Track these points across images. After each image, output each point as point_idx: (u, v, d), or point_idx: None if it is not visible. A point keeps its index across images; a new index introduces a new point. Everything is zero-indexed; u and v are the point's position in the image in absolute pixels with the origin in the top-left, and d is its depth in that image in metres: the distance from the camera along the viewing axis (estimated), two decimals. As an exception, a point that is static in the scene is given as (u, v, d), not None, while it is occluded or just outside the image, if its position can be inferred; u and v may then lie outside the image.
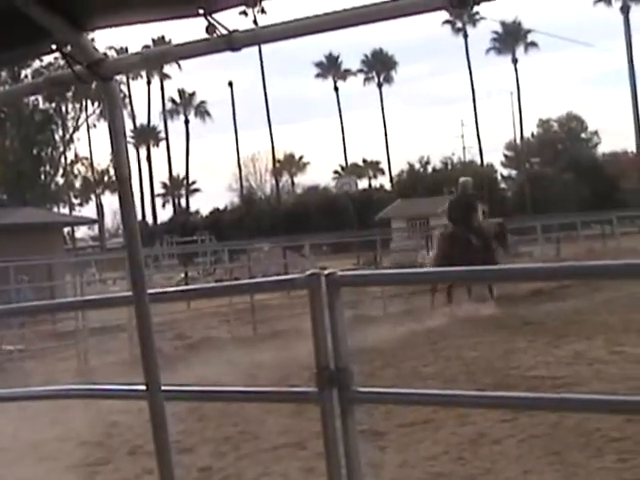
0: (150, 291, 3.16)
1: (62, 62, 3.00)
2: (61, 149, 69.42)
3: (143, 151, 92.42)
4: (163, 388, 3.16)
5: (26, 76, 56.14)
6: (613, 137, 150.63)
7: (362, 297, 22.01)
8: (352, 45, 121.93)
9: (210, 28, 2.52)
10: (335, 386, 2.97)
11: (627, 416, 7.72)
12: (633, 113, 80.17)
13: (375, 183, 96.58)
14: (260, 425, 9.27)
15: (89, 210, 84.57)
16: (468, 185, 20.82)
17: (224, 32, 2.52)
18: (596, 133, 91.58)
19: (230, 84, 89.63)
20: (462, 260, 17.68)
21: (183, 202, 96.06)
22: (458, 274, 4.25)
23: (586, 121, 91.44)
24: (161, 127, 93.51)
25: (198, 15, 2.49)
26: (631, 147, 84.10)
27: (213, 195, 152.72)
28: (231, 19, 2.53)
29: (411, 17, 2.20)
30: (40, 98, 62.04)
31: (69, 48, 2.81)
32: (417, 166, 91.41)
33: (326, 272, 2.96)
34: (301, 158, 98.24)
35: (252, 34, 2.52)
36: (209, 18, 2.49)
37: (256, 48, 75.32)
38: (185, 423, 8.97)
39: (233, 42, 2.53)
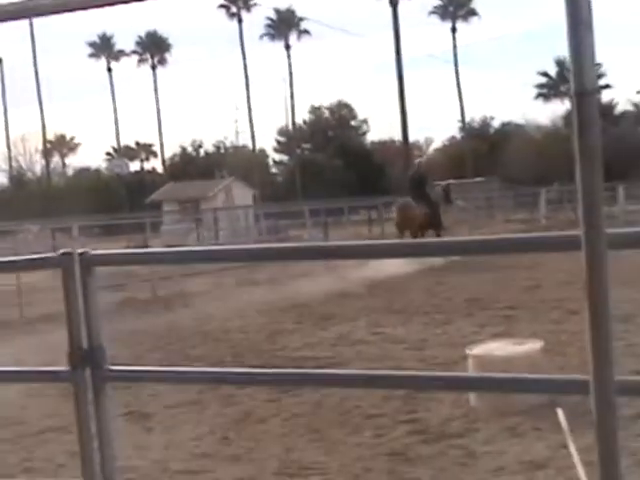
0: None
1: None
2: None
3: None
4: None
5: None
6: (381, 126, 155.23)
7: (131, 279, 21.84)
8: (127, 26, 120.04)
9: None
10: (88, 365, 2.96)
11: (384, 393, 8.08)
12: (399, 103, 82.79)
13: (147, 166, 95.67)
14: (23, 410, 9.07)
15: None
16: (421, 165, 26.90)
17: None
18: (365, 121, 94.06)
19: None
20: (415, 224, 23.77)
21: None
22: (227, 254, 4.20)
23: (356, 109, 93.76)
24: None
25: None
26: (398, 136, 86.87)
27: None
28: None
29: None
30: None
31: None
32: (190, 149, 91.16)
33: (79, 251, 2.96)
34: (72, 139, 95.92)
35: (20, 6, 2.42)
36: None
37: (27, 23, 72.77)
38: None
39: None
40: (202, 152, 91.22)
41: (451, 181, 39.64)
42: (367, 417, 7.97)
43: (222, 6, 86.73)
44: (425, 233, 24.78)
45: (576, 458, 5.37)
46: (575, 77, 1.88)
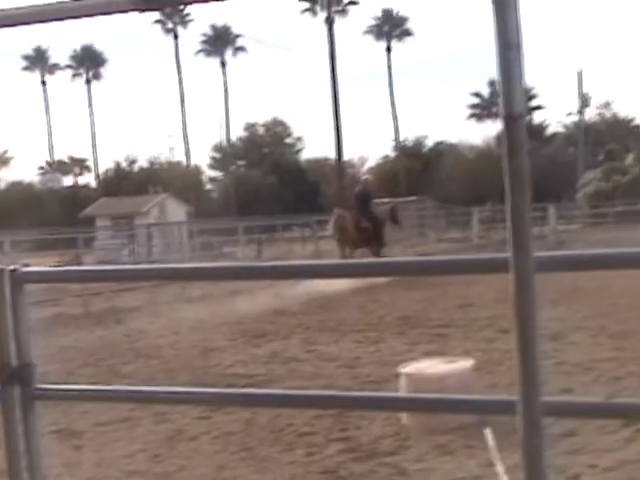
0: None
1: None
2: None
3: None
4: None
5: None
6: (316, 144, 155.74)
7: (63, 295, 21.62)
8: (62, 39, 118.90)
9: None
10: (16, 383, 2.93)
11: (316, 411, 8.08)
12: (334, 122, 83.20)
13: (81, 180, 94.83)
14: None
15: None
16: (368, 182, 28.73)
17: None
18: (300, 139, 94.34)
19: None
20: (354, 238, 24.81)
21: None
22: (154, 272, 4.18)
23: (291, 127, 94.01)
24: None
25: None
26: (332, 154, 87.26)
27: None
28: None
29: (103, 16, 2.23)
30: None
31: None
32: (124, 164, 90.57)
33: (10, 268, 2.92)
34: (5, 152, 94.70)
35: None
36: None
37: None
38: None
39: None
40: (136, 167, 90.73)
41: (389, 200, 39.95)
42: (299, 435, 7.97)
43: (158, 21, 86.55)
44: (367, 248, 25.15)
45: (503, 476, 5.42)
46: (504, 100, 1.90)
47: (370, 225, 25.36)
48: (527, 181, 1.91)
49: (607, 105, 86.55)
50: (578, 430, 7.22)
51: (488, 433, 6.04)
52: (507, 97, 1.89)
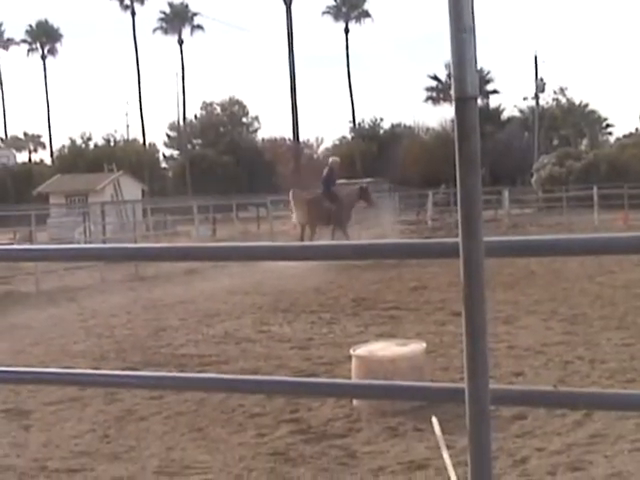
0: None
1: None
2: None
3: None
4: None
5: None
6: (273, 124, 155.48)
7: (14, 272, 21.43)
8: (17, 14, 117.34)
9: None
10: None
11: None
12: (291, 102, 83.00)
13: (35, 157, 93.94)
14: None
15: None
16: (335, 164, 26.78)
17: None
18: (257, 119, 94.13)
19: None
20: (318, 217, 25.01)
21: None
22: (109, 252, 4.06)
23: (248, 106, 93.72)
24: None
25: None
26: (289, 134, 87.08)
27: None
28: None
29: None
30: None
31: None
32: (79, 142, 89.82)
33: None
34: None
35: None
36: None
37: None
38: None
39: None
40: (91, 145, 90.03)
41: (345, 181, 39.90)
42: (250, 416, 7.94)
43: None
44: (331, 228, 25.16)
45: (449, 466, 5.43)
46: (456, 82, 1.88)
47: (333, 206, 25.30)
48: (478, 165, 1.88)
49: (562, 91, 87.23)
50: (527, 413, 7.26)
51: (435, 422, 6.05)
52: (459, 79, 1.87)
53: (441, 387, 3.11)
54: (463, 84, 1.86)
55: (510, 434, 6.81)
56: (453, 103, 1.89)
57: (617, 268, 17.97)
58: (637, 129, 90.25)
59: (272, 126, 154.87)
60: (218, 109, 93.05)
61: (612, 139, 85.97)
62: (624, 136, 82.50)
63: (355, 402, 7.94)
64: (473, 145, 1.87)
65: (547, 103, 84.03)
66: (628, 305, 13.18)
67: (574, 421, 7.12)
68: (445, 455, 5.50)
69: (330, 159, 27.88)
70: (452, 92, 1.90)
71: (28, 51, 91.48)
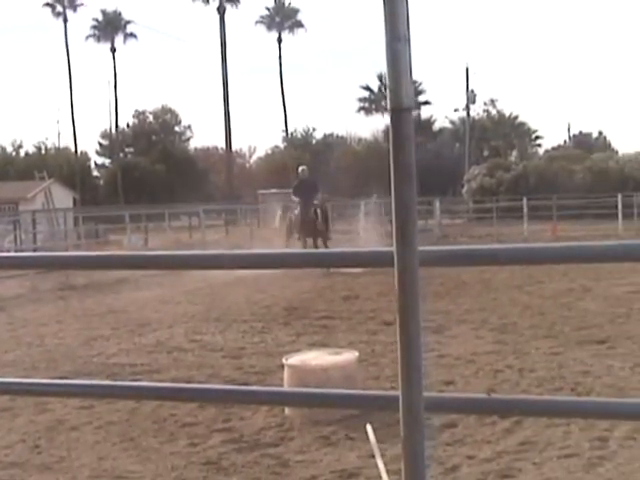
0: None
1: None
2: None
3: None
4: None
5: None
6: (205, 132, 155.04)
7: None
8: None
9: None
10: None
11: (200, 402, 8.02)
12: (224, 111, 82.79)
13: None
14: None
15: None
16: (306, 171, 26.08)
17: None
18: (189, 127, 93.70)
19: None
20: (309, 231, 24.30)
21: None
22: (37, 261, 4.03)
23: (180, 115, 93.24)
24: None
25: None
26: (221, 143, 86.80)
27: None
28: None
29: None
30: None
31: None
32: (9, 149, 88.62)
33: None
34: None
35: None
36: None
37: None
38: None
39: None
40: (22, 152, 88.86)
41: (277, 190, 39.84)
42: (182, 425, 7.91)
43: (47, 4, 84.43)
44: (314, 239, 24.64)
45: (383, 473, 5.46)
46: (391, 93, 1.89)
47: (318, 216, 24.73)
48: (413, 174, 1.90)
49: (493, 102, 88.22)
50: (458, 421, 7.34)
51: (369, 430, 6.08)
52: (394, 90, 1.88)
53: (376, 395, 3.13)
54: (398, 95, 1.88)
55: (441, 442, 6.87)
56: (389, 113, 1.90)
57: (546, 278, 18.23)
58: (565, 141, 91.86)
59: (205, 135, 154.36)
60: (150, 117, 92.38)
61: (541, 151, 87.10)
62: (552, 148, 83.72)
63: (287, 411, 7.95)
64: (408, 155, 1.89)
65: (478, 114, 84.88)
66: (556, 314, 13.39)
67: (504, 429, 7.21)
68: (380, 463, 5.53)
69: (300, 168, 26.91)
70: (387, 102, 1.91)
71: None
